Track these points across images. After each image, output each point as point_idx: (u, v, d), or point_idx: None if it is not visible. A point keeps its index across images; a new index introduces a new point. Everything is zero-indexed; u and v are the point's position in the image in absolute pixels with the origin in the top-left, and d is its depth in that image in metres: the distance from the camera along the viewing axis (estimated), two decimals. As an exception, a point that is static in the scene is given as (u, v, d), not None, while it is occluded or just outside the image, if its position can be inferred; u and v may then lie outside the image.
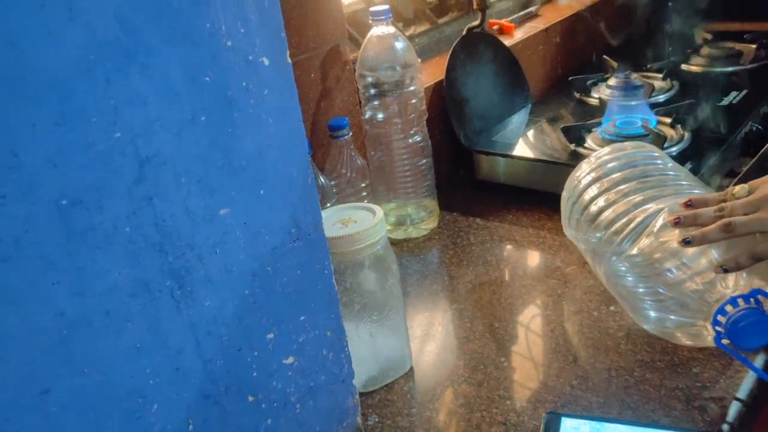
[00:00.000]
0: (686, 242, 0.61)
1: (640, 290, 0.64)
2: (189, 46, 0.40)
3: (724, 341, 0.58)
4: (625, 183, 0.73)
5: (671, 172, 0.74)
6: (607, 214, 0.71)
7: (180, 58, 0.40)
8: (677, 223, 0.62)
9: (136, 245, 0.40)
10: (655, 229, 0.64)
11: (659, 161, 0.76)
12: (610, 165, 0.76)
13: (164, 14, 0.39)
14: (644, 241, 0.65)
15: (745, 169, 0.72)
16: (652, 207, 0.68)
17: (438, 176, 0.97)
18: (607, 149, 0.80)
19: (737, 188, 0.62)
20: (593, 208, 0.73)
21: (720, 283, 0.60)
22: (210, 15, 0.41)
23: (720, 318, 0.57)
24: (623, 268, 0.66)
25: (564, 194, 0.81)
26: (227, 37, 0.42)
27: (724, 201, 0.62)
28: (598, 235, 0.71)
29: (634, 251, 0.65)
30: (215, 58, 0.42)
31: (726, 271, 0.59)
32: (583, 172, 0.78)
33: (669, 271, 0.62)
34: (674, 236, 0.63)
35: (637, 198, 0.70)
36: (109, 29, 0.36)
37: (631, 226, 0.67)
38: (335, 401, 0.57)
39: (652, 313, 0.64)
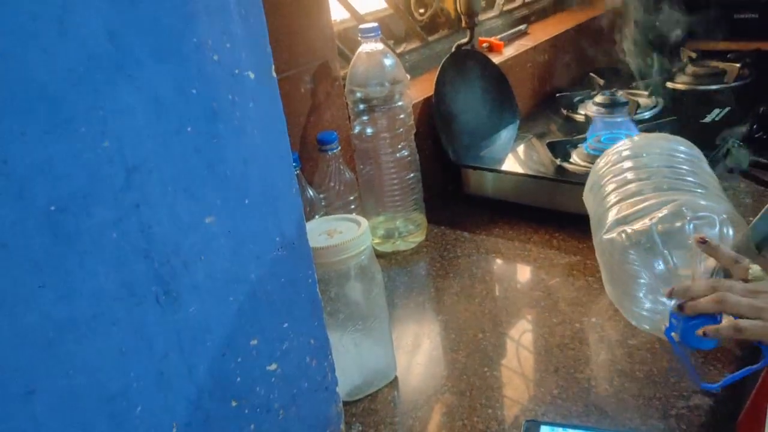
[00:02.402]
0: (679, 308, 0.61)
1: (635, 267, 0.67)
2: (176, 59, 0.42)
3: (673, 334, 0.60)
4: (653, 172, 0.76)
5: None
6: (631, 187, 0.75)
7: (167, 71, 0.41)
8: (681, 309, 0.61)
9: (122, 251, 0.41)
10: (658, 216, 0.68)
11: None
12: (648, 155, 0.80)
13: (153, 29, 0.40)
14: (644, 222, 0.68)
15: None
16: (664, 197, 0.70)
17: (426, 190, 0.99)
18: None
19: (752, 268, 0.60)
20: (621, 179, 0.77)
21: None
22: (197, 30, 0.42)
23: (673, 321, 0.60)
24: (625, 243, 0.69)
25: (600, 162, 0.84)
26: (214, 51, 0.43)
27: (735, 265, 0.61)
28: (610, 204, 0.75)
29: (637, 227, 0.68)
30: (202, 71, 0.43)
31: (705, 335, 0.59)
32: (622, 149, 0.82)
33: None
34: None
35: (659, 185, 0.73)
36: (99, 42, 0.38)
37: (641, 206, 0.70)
38: (318, 409, 0.58)
39: (641, 295, 0.67)
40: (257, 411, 0.52)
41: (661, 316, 0.66)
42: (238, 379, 0.50)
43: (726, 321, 0.58)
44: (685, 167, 0.77)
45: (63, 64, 0.36)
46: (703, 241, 0.62)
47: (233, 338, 0.49)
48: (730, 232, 0.65)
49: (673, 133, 1.03)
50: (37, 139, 0.36)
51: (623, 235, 0.69)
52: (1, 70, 0.34)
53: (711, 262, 0.63)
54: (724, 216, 0.66)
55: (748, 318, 0.56)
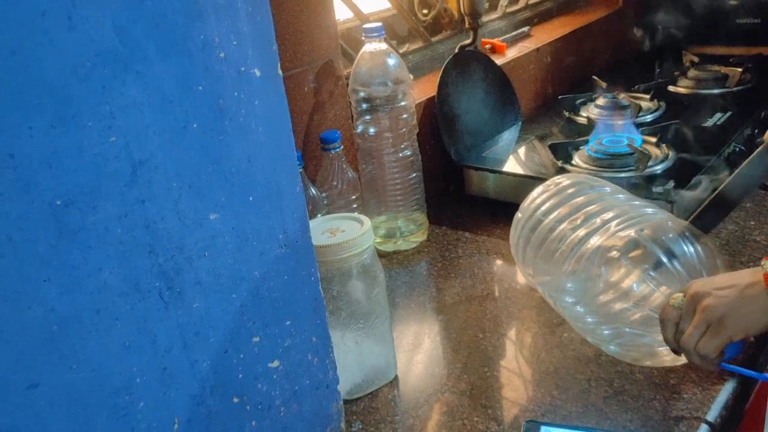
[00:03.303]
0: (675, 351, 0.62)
1: (601, 328, 0.67)
2: (183, 56, 0.42)
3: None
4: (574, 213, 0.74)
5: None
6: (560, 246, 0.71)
7: (174, 67, 0.42)
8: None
9: (127, 246, 0.41)
10: (601, 273, 0.66)
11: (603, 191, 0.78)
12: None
13: (160, 26, 0.41)
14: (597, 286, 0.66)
15: (699, 209, 0.73)
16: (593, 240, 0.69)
17: (428, 190, 0.99)
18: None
19: (673, 298, 0.61)
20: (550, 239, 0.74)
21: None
22: (204, 27, 0.43)
23: None
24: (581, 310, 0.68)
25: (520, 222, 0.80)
26: (220, 48, 0.44)
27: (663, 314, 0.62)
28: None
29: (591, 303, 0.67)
30: (208, 68, 0.43)
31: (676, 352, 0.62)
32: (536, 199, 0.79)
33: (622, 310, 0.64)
34: (619, 274, 0.64)
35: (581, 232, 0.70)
36: (106, 39, 0.38)
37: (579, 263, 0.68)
38: (319, 406, 0.58)
39: (612, 347, 0.67)
40: (259, 408, 0.52)
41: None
42: (240, 375, 0.50)
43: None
44: (620, 196, 0.76)
45: (71, 59, 0.37)
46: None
47: (236, 335, 0.49)
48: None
49: (674, 136, 1.04)
50: (44, 133, 0.36)
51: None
52: (9, 66, 0.34)
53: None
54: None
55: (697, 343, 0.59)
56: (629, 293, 0.64)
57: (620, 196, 0.76)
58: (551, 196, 0.78)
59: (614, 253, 0.65)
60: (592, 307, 0.66)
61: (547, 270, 0.73)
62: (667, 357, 0.64)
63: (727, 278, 0.60)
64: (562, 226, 0.73)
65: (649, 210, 0.72)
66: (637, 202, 0.74)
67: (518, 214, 0.81)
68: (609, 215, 0.70)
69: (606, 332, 0.66)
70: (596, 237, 0.68)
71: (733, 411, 0.63)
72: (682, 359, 0.62)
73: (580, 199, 0.75)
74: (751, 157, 0.72)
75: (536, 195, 0.80)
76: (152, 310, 0.43)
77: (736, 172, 0.72)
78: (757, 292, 0.57)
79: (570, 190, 0.77)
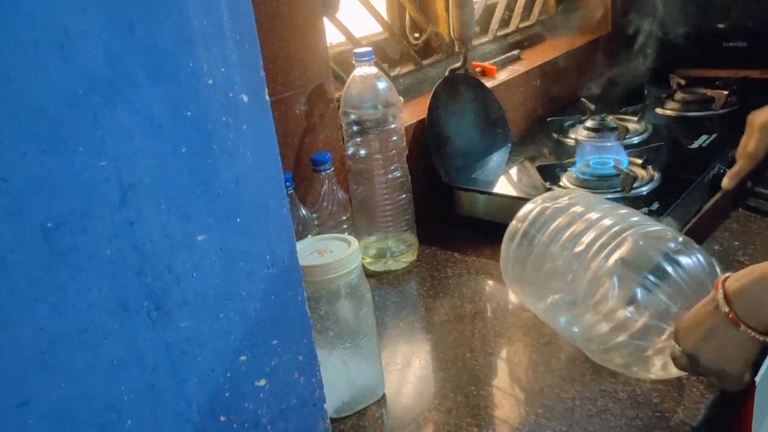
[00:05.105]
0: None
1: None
2: (172, 83, 0.43)
3: None
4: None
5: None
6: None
7: (164, 94, 0.43)
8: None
9: (116, 267, 0.42)
10: (592, 302, 0.67)
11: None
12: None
13: (150, 53, 0.42)
14: (588, 317, 0.67)
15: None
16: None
17: (418, 211, 1.00)
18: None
19: (673, 347, 0.62)
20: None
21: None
22: (193, 55, 0.44)
23: None
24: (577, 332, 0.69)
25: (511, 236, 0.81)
26: (209, 75, 0.45)
27: None
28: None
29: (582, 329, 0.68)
30: (197, 94, 0.45)
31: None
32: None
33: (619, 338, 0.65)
34: (610, 304, 0.65)
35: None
36: (98, 66, 0.40)
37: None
38: (306, 425, 0.59)
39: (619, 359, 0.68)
40: (245, 426, 0.53)
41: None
42: (227, 394, 0.51)
43: None
44: (622, 210, 0.76)
45: (63, 87, 0.38)
46: None
47: (223, 354, 0.50)
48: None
49: (660, 158, 1.05)
50: (37, 158, 0.37)
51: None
52: (4, 92, 0.36)
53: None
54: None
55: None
56: (633, 301, 0.64)
57: (622, 210, 0.77)
58: (546, 210, 0.78)
59: (615, 261, 0.66)
60: (592, 317, 0.67)
61: (545, 280, 0.73)
62: (659, 369, 0.65)
63: (694, 325, 0.59)
64: (564, 237, 0.73)
65: (647, 221, 0.73)
66: (636, 218, 0.75)
67: (513, 231, 0.81)
68: (608, 222, 0.71)
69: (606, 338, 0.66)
70: (598, 244, 0.69)
71: (716, 429, 0.63)
72: (673, 372, 0.63)
73: (578, 209, 0.75)
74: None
75: (529, 210, 0.81)
76: (140, 329, 0.44)
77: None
78: (731, 333, 0.56)
79: (567, 202, 0.78)
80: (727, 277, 0.58)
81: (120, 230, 0.42)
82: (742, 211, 1.00)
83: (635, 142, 1.17)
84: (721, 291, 0.57)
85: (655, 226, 0.71)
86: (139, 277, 0.43)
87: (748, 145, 0.91)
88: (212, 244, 0.48)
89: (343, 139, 0.95)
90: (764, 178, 0.94)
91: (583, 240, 0.70)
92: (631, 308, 0.64)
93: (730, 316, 0.56)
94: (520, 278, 0.79)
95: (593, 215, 0.73)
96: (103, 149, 0.40)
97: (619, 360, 0.66)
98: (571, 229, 0.72)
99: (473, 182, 1.08)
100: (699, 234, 0.77)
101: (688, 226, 0.91)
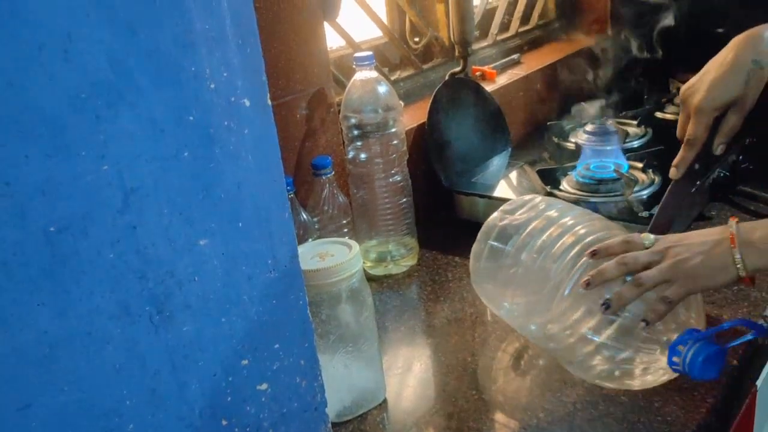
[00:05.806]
0: (606, 307, 0.63)
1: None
2: (175, 87, 0.43)
3: (675, 358, 0.61)
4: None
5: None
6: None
7: (166, 98, 0.43)
8: (588, 285, 0.64)
9: (118, 271, 0.42)
10: (558, 312, 0.67)
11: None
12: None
13: (153, 58, 0.42)
14: (552, 327, 0.67)
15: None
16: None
17: (419, 215, 1.00)
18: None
19: (643, 235, 0.65)
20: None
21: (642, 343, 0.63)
22: (195, 59, 0.44)
23: (675, 359, 0.60)
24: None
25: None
26: (211, 79, 0.45)
27: (628, 243, 0.65)
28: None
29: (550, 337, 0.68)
30: (199, 98, 0.45)
31: (648, 323, 0.62)
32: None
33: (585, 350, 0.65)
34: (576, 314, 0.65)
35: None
36: (101, 70, 0.40)
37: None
38: (308, 429, 0.59)
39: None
40: (247, 430, 0.53)
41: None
42: (229, 398, 0.51)
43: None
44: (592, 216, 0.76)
45: (66, 91, 0.38)
46: (593, 255, 0.66)
47: (225, 358, 0.50)
48: None
49: (660, 162, 1.05)
50: (40, 162, 0.37)
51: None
52: (7, 96, 0.36)
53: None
54: None
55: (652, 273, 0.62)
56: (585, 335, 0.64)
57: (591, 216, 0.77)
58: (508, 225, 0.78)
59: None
60: (561, 324, 0.67)
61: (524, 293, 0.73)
62: (637, 380, 0.65)
63: (697, 235, 0.64)
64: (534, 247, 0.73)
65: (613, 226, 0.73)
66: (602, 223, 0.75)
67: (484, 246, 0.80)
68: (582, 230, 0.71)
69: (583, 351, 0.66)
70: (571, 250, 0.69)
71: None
72: (651, 382, 0.63)
73: (552, 213, 0.76)
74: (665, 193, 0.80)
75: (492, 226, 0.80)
76: (142, 333, 0.44)
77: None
78: (723, 249, 0.61)
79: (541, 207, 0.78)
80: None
81: (122, 234, 0.42)
82: (728, 207, 1.00)
83: (635, 146, 1.18)
84: (734, 223, 0.62)
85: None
86: (141, 281, 0.43)
87: (688, 130, 0.86)
88: (214, 248, 0.47)
89: (343, 143, 0.95)
90: (714, 160, 0.90)
91: (554, 251, 0.71)
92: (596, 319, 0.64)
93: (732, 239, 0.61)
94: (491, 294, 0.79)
95: (556, 229, 0.73)
96: (106, 153, 0.40)
97: (598, 370, 0.67)
98: (540, 241, 0.73)
99: (473, 186, 1.08)
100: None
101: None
